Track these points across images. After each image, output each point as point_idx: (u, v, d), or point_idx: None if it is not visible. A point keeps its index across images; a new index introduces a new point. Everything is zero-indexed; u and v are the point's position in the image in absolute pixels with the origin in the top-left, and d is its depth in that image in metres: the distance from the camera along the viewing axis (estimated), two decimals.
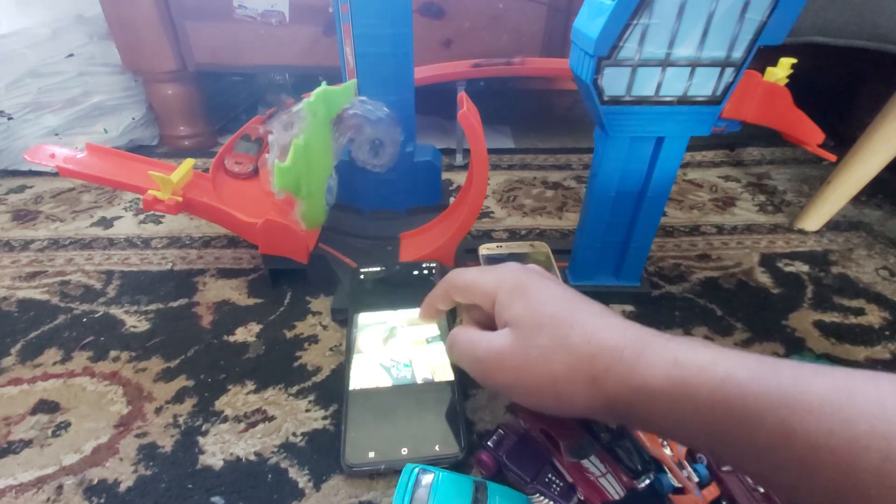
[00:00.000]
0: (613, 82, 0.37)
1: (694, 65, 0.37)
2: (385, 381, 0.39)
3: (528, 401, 0.30)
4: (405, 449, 0.35)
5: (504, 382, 0.30)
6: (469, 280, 0.33)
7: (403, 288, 0.47)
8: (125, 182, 0.47)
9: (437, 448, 0.35)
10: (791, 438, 0.20)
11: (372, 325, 0.44)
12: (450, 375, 0.40)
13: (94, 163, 0.48)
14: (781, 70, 0.43)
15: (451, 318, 0.44)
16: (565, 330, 0.28)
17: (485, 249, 0.52)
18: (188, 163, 0.48)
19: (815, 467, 0.19)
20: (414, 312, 0.44)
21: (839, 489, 0.19)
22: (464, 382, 0.41)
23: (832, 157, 0.45)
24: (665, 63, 0.36)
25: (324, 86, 0.45)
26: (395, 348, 0.42)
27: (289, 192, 0.45)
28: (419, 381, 0.39)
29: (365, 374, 0.40)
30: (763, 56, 0.38)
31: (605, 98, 0.38)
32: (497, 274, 0.32)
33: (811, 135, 0.44)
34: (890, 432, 0.18)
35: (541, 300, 0.30)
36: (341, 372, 0.42)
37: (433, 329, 0.43)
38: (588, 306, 0.30)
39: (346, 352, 0.42)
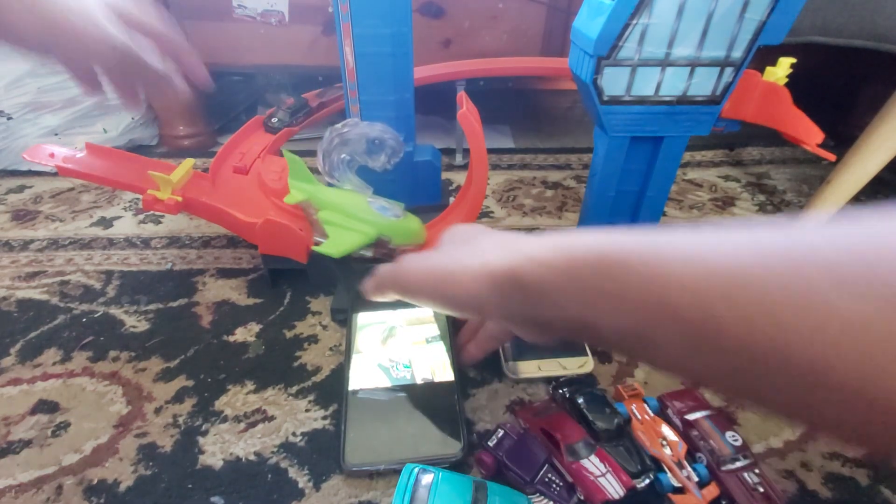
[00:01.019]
0: (613, 82, 0.37)
1: (693, 64, 0.36)
2: (384, 382, 0.39)
3: (426, 291, 0.30)
4: (405, 449, 0.35)
5: (414, 280, 0.31)
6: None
7: None
8: (124, 182, 0.47)
9: (436, 448, 0.35)
10: (663, 286, 0.19)
11: (371, 325, 0.44)
12: (450, 376, 0.40)
13: (93, 162, 0.48)
14: (781, 70, 0.43)
15: (452, 319, 0.44)
16: (480, 239, 0.30)
17: None
18: (188, 162, 0.48)
19: (678, 314, 0.18)
20: (413, 312, 0.44)
21: (699, 334, 0.18)
22: (464, 382, 0.41)
23: (831, 157, 0.45)
24: (665, 63, 0.36)
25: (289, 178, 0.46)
26: (395, 348, 0.42)
27: (368, 243, 0.46)
28: (419, 381, 0.39)
29: (364, 375, 0.40)
30: (762, 56, 0.38)
31: (605, 98, 0.38)
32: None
33: (810, 134, 0.44)
34: (765, 265, 0.17)
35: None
36: (341, 372, 0.42)
37: (433, 329, 0.43)
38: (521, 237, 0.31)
39: (345, 352, 0.42)
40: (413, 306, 0.44)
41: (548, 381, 0.42)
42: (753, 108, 0.44)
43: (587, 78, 0.37)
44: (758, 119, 0.44)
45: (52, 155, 0.47)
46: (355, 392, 0.38)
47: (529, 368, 0.42)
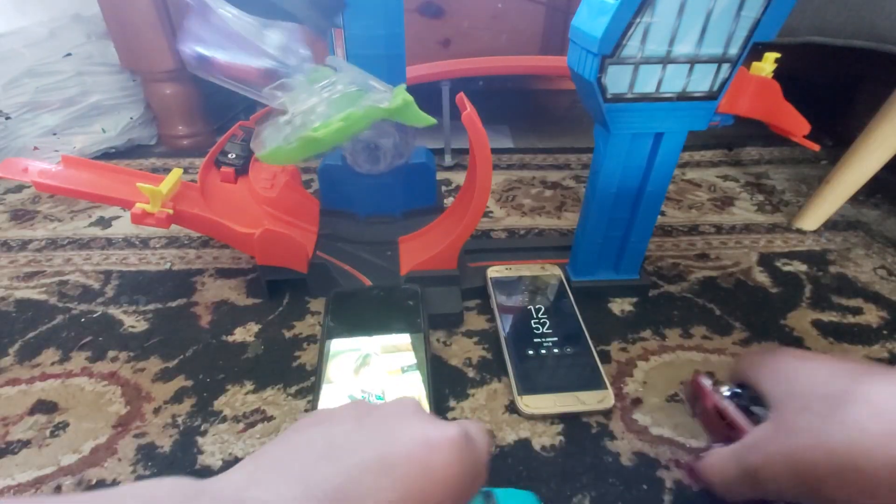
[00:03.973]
0: (617, 80, 0.37)
1: (693, 61, 0.37)
2: None
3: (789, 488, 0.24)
4: None
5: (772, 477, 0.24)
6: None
7: (380, 311, 0.45)
8: (108, 195, 0.44)
9: None
10: None
11: (344, 353, 0.41)
12: (425, 408, 0.35)
13: (71, 176, 0.45)
14: (767, 64, 0.44)
15: (431, 351, 0.42)
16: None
17: (493, 272, 0.50)
18: (176, 172, 0.46)
19: None
20: (390, 339, 0.42)
21: None
22: (440, 404, 0.39)
23: (815, 147, 0.47)
24: (666, 60, 0.36)
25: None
26: (368, 378, 0.39)
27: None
28: None
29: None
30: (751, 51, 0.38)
31: (609, 96, 0.38)
32: None
33: (798, 126, 0.46)
34: None
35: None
36: None
37: (409, 357, 0.40)
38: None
39: (314, 383, 0.39)
40: (388, 333, 0.42)
41: (564, 417, 0.39)
42: (747, 102, 0.45)
43: (591, 76, 0.37)
44: (750, 113, 0.45)
45: (25, 170, 0.43)
46: None
47: (544, 403, 0.39)
